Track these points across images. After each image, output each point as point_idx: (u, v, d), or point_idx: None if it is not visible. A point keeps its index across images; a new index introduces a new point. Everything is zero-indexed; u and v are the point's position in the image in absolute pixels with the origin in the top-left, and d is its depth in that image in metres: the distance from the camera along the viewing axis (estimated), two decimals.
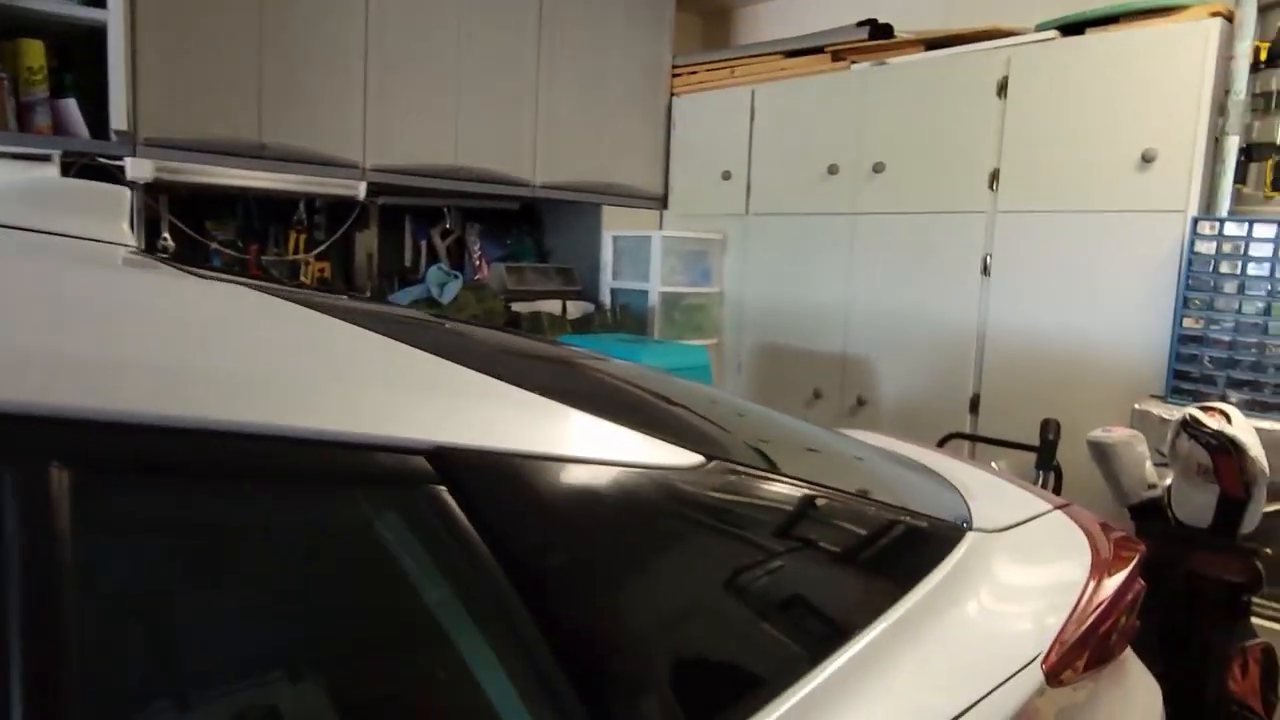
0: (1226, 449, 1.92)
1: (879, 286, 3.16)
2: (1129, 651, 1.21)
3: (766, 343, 3.55)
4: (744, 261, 3.61)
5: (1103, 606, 1.03)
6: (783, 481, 0.87)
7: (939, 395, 3.02)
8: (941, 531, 0.98)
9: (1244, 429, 1.92)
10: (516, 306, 3.42)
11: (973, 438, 2.92)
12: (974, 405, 2.94)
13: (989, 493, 1.24)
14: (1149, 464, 2.13)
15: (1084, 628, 0.98)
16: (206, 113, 2.65)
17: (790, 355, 3.45)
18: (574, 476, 0.70)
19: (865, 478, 1.10)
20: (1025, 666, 0.86)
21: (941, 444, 2.93)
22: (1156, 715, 1.20)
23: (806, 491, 0.89)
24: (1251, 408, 2.30)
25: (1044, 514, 1.18)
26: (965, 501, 1.11)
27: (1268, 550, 2.24)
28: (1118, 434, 2.14)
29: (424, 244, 3.68)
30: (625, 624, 0.67)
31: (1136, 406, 2.46)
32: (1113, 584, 1.05)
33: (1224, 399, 2.35)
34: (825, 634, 0.77)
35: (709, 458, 0.79)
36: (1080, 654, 0.97)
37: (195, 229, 3.06)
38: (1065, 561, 1.08)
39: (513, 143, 3.38)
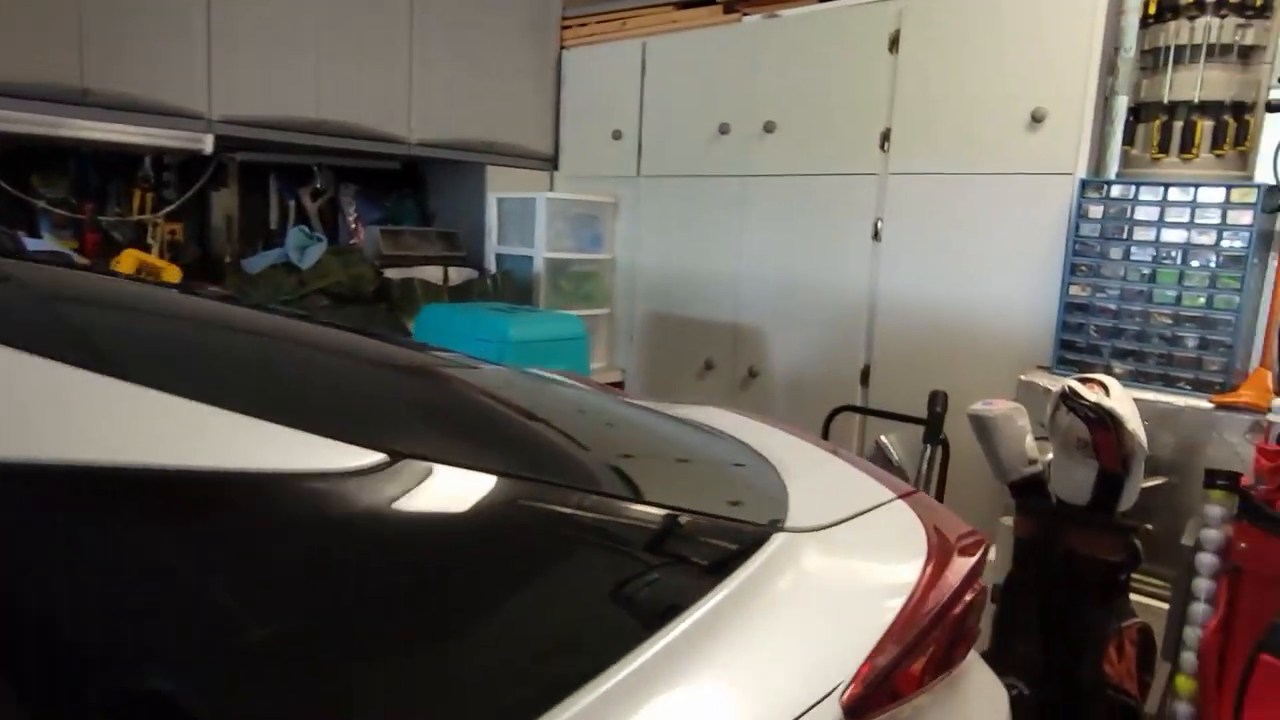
0: (1104, 422, 1.82)
1: (771, 253, 3.02)
2: (973, 657, 1.08)
3: (659, 312, 3.39)
4: (636, 226, 3.43)
5: (934, 614, 0.89)
6: (512, 481, 0.70)
7: (831, 366, 2.90)
8: (735, 536, 0.82)
9: (1122, 401, 1.83)
10: (390, 273, 3.18)
11: (862, 410, 2.81)
12: (865, 377, 2.83)
13: (823, 483, 1.10)
14: (1030, 438, 2.03)
15: (907, 642, 0.84)
16: (16, 53, 2.35)
17: (682, 325, 3.30)
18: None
19: (650, 472, 0.93)
20: (818, 703, 0.71)
21: (831, 418, 2.82)
22: None
23: (542, 497, 0.72)
24: (1135, 378, 2.22)
25: (880, 506, 1.04)
26: (785, 496, 0.96)
27: (1149, 526, 2.18)
28: (998, 407, 2.03)
29: (292, 205, 3.41)
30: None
31: (1022, 378, 2.36)
32: (948, 587, 0.92)
33: (1109, 370, 2.27)
34: (525, 699, 0.59)
35: (396, 456, 0.61)
36: (900, 674, 0.83)
37: (19, 186, 2.75)
38: (895, 563, 0.93)
39: (384, 95, 3.13)
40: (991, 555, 2.34)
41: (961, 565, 0.95)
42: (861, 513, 1.00)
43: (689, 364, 3.26)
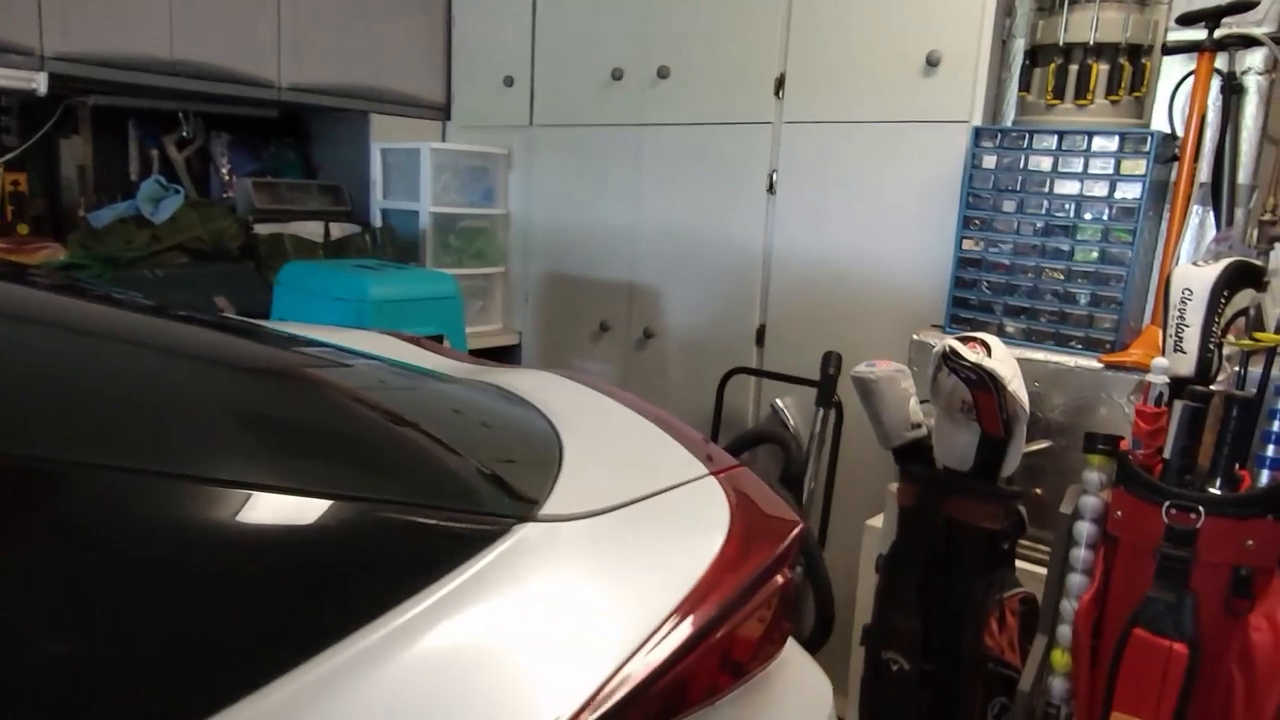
0: (985, 383, 1.71)
1: (667, 208, 2.86)
2: (793, 654, 0.95)
3: (555, 272, 3.21)
4: (529, 180, 3.24)
5: (719, 618, 0.75)
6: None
7: (726, 326, 2.76)
8: (447, 533, 0.67)
9: (1004, 361, 1.72)
10: (261, 228, 2.96)
11: (755, 373, 2.69)
12: (760, 337, 2.70)
13: (622, 459, 0.95)
14: (914, 402, 1.92)
15: (678, 654, 0.70)
16: None
17: (578, 285, 3.13)
18: None
19: (355, 456, 0.77)
20: None
21: (725, 381, 2.69)
22: None
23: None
24: (1028, 337, 2.13)
25: (683, 485, 0.90)
26: (553, 478, 0.81)
27: (1038, 491, 2.10)
28: (881, 369, 1.92)
29: (156, 156, 3.14)
30: None
31: (915, 337, 2.25)
32: (739, 584, 0.78)
33: (1001, 329, 2.16)
34: None
35: None
36: (670, 691, 0.70)
37: None
38: (680, 555, 0.79)
39: (248, 34, 2.88)
40: (879, 523, 2.24)
41: (763, 554, 0.81)
42: (654, 494, 0.85)
43: (585, 325, 3.10)
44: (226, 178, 3.27)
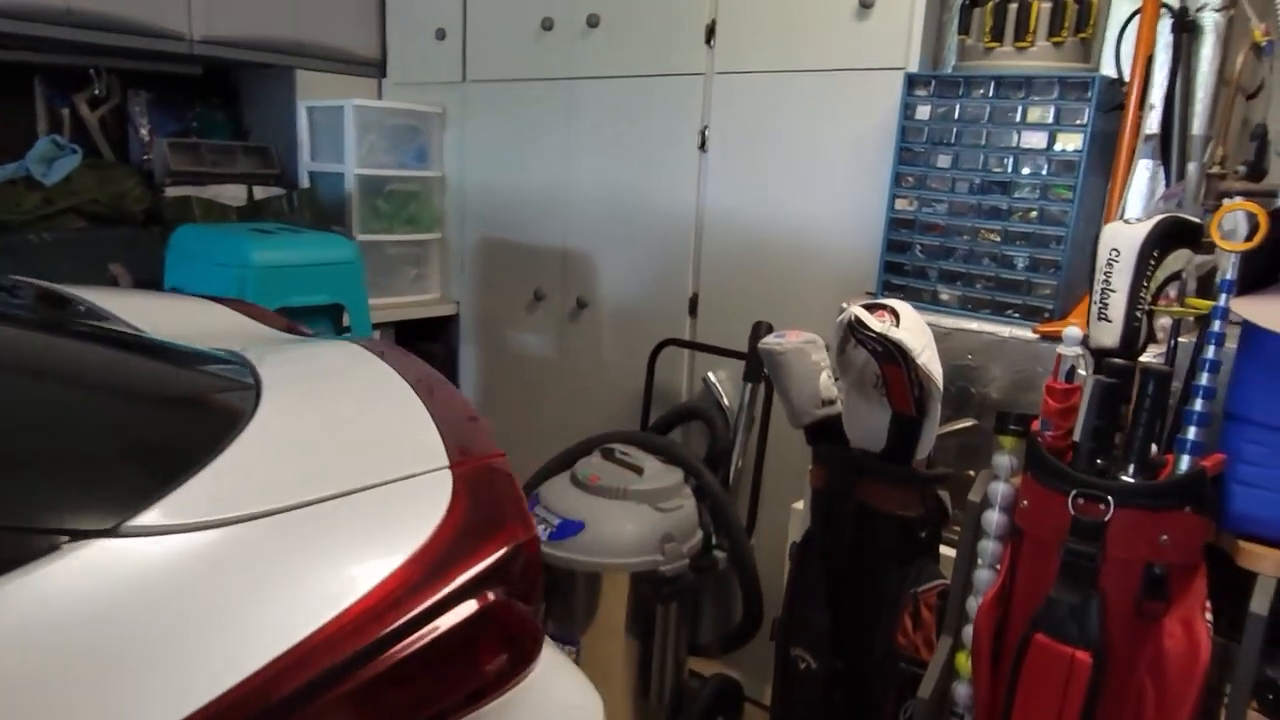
0: (893, 356, 1.54)
1: (599, 168, 2.68)
2: (552, 662, 0.79)
3: (490, 237, 3.04)
4: (463, 140, 3.06)
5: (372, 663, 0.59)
6: None
7: (658, 295, 2.59)
8: None
9: (914, 331, 1.54)
10: (173, 191, 2.79)
11: (686, 344, 2.52)
12: (693, 306, 2.52)
13: (331, 447, 0.79)
14: (825, 375, 1.75)
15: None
16: None
17: (513, 251, 2.96)
18: None
19: None
20: None
21: (656, 352, 2.53)
22: None
23: None
24: (964, 305, 1.94)
25: (392, 483, 0.73)
26: (188, 473, 0.64)
27: (971, 473, 1.92)
28: (791, 340, 1.74)
29: (67, 115, 2.97)
30: None
31: (845, 306, 2.07)
32: (403, 613, 0.61)
33: (935, 296, 1.98)
34: None
35: None
36: None
37: None
38: (323, 581, 0.63)
39: None
40: (801, 506, 2.08)
41: (451, 576, 0.65)
42: (341, 494, 0.69)
43: (521, 296, 2.93)
44: (146, 139, 3.09)
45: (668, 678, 2.19)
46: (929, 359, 1.54)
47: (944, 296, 1.97)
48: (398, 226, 3.07)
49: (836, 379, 1.73)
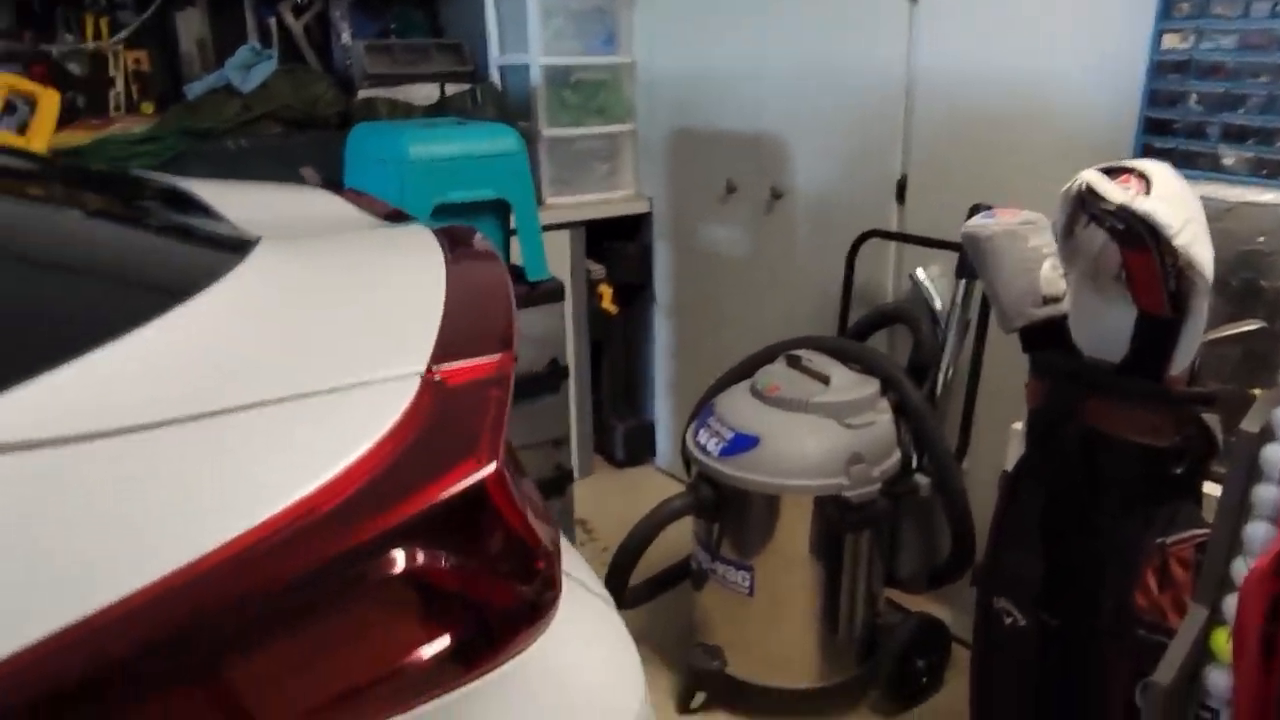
0: (1138, 236, 1.15)
1: (795, 37, 2.33)
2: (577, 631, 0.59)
3: (681, 127, 2.79)
4: (654, 21, 2.80)
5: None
6: None
7: (861, 180, 2.24)
8: None
9: (1171, 201, 1.15)
10: (366, 93, 2.77)
11: (893, 236, 2.16)
12: (901, 191, 2.15)
13: (300, 341, 0.61)
14: (1048, 265, 1.37)
15: None
16: None
17: (704, 141, 2.69)
18: None
19: None
20: None
21: (856, 246, 2.20)
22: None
23: None
24: (1257, 170, 1.47)
25: (353, 387, 0.55)
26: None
27: (1255, 392, 1.47)
28: (999, 221, 1.39)
29: (274, 25, 3.04)
30: None
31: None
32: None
33: (1216, 161, 1.52)
34: None
35: None
36: None
37: None
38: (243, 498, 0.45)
39: None
40: (1020, 427, 1.72)
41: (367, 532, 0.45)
42: (251, 405, 0.51)
43: (713, 188, 2.68)
44: (348, 44, 3.11)
45: (858, 614, 1.94)
46: (1191, 239, 1.14)
47: (1227, 160, 1.50)
48: (587, 119, 2.89)
49: (1063, 270, 1.35)
